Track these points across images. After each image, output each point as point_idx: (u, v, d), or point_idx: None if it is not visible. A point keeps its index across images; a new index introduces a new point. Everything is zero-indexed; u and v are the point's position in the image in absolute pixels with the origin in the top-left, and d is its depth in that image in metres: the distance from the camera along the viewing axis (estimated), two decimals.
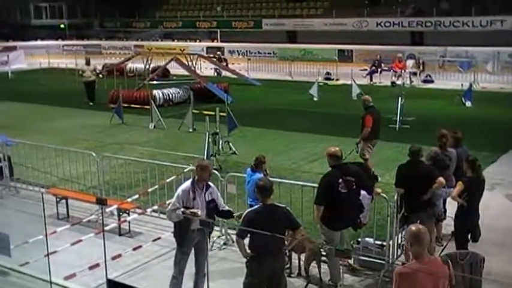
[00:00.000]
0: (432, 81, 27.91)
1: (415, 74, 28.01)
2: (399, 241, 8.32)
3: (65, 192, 10.70)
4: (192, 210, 6.88)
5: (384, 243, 8.13)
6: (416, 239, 4.74)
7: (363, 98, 12.50)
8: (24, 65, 36.33)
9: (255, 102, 22.71)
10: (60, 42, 48.32)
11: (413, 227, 4.88)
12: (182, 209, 6.90)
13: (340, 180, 7.31)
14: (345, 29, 38.11)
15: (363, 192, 7.55)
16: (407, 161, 8.24)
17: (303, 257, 7.92)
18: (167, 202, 9.62)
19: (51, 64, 35.01)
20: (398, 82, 25.11)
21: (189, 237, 7.02)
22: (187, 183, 7.04)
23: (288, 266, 7.84)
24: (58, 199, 10.32)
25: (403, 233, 8.39)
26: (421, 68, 29.00)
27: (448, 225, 8.77)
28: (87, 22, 53.01)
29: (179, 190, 7.02)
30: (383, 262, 8.02)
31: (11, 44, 44.00)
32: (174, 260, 7.16)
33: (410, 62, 29.02)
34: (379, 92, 24.80)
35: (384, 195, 8.01)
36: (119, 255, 8.15)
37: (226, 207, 7.31)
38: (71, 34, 51.53)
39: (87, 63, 23.23)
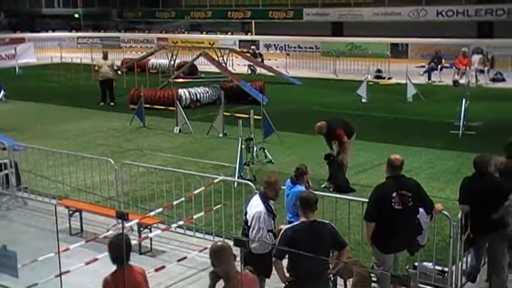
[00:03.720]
0: (503, 80, 27.51)
1: (482, 71, 27.59)
2: (463, 267, 8.20)
3: (79, 204, 10.82)
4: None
5: (446, 269, 8.02)
6: (216, 258, 5.12)
7: (318, 127, 12.63)
8: (34, 59, 37.06)
9: (294, 103, 22.70)
10: (74, 34, 49.17)
11: (214, 246, 5.24)
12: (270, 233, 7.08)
13: (394, 194, 7.25)
14: (399, 20, 37.87)
15: (421, 210, 7.46)
16: (473, 173, 8.13)
17: (350, 282, 7.87)
18: (194, 217, 9.72)
19: (63, 59, 35.64)
20: (462, 81, 24.77)
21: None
22: (260, 203, 7.11)
23: None
24: (71, 212, 10.45)
25: (469, 257, 8.29)
26: (489, 64, 28.57)
27: None
28: (105, 11, 53.86)
29: (262, 213, 7.01)
30: None
31: (18, 35, 44.89)
32: None
33: (476, 58, 28.58)
34: (438, 93, 24.64)
35: (446, 212, 7.90)
36: None
37: None
38: (86, 25, 52.41)
39: (105, 57, 23.46)
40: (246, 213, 7.34)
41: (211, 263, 5.24)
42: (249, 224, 7.08)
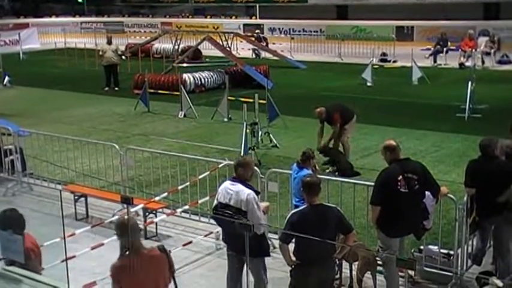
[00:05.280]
0: (509, 62, 27.39)
1: (488, 53, 27.48)
2: (469, 250, 8.21)
3: (84, 189, 10.86)
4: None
5: (451, 252, 8.02)
6: (120, 230, 5.40)
7: (318, 112, 12.98)
8: (38, 44, 36.98)
9: (299, 87, 22.65)
10: (77, 19, 49.06)
11: (120, 219, 5.58)
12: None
13: (400, 178, 7.23)
14: (404, 2, 37.64)
15: (427, 193, 7.45)
16: (478, 156, 8.11)
17: (355, 266, 7.89)
18: (199, 202, 9.74)
19: (67, 44, 35.57)
20: (468, 64, 24.62)
21: None
22: (243, 187, 6.93)
23: (338, 276, 7.82)
24: (76, 197, 10.50)
25: (474, 240, 8.30)
26: (496, 46, 28.42)
27: None
28: None
29: (252, 195, 6.86)
30: (450, 274, 7.93)
31: (22, 20, 44.81)
32: (264, 273, 7.14)
33: (483, 40, 28.46)
34: (444, 76, 24.55)
35: (452, 196, 7.89)
36: None
37: None
38: (89, 10, 52.25)
39: (109, 42, 23.39)
40: (220, 203, 6.98)
41: (116, 235, 5.58)
42: (243, 209, 6.78)
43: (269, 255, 7.00)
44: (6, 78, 24.40)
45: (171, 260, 5.70)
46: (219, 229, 9.40)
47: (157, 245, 5.82)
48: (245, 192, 6.85)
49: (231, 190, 6.93)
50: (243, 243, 5.91)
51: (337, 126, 12.73)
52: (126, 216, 5.57)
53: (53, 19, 47.16)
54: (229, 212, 6.80)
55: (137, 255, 5.42)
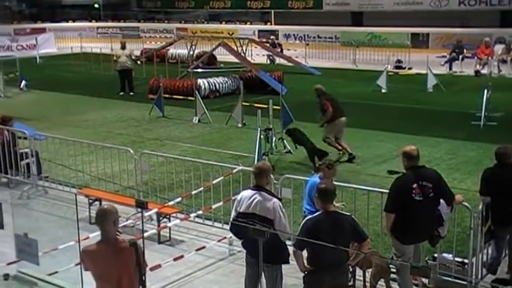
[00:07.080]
0: None
1: (504, 61, 27.30)
2: (484, 258, 8.15)
3: (99, 193, 10.90)
4: None
5: (466, 261, 7.97)
6: (98, 219, 5.65)
7: (316, 88, 14.23)
8: (54, 49, 37.29)
9: (313, 94, 22.41)
10: (94, 24, 49.40)
11: (100, 207, 5.87)
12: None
13: (415, 186, 7.20)
14: (419, 9, 37.54)
15: (441, 201, 7.40)
16: (494, 164, 8.07)
17: (369, 273, 7.86)
18: (213, 207, 9.75)
19: (83, 48, 35.82)
20: (484, 71, 24.55)
21: None
22: (267, 195, 6.84)
23: (351, 283, 7.79)
24: (91, 201, 10.53)
25: (489, 249, 8.23)
26: None
27: None
28: (124, 1, 53.97)
29: (278, 203, 6.80)
30: (464, 283, 7.87)
31: (39, 25, 45.22)
32: (280, 281, 7.04)
33: (499, 48, 28.31)
34: (460, 83, 24.42)
35: (467, 204, 7.84)
36: (158, 266, 8.26)
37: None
38: (106, 15, 52.60)
39: (123, 47, 23.45)
40: (243, 213, 6.80)
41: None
42: (270, 217, 6.68)
43: (288, 263, 6.94)
44: (23, 82, 24.58)
45: (140, 255, 5.69)
46: (232, 234, 9.43)
47: (129, 239, 5.83)
48: (271, 200, 6.78)
49: (254, 199, 6.81)
50: (265, 250, 5.87)
51: (329, 111, 13.38)
52: (106, 206, 5.83)
53: (70, 24, 47.53)
54: (254, 221, 6.49)
55: (106, 244, 5.63)
